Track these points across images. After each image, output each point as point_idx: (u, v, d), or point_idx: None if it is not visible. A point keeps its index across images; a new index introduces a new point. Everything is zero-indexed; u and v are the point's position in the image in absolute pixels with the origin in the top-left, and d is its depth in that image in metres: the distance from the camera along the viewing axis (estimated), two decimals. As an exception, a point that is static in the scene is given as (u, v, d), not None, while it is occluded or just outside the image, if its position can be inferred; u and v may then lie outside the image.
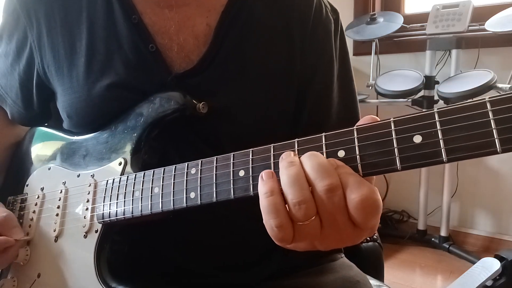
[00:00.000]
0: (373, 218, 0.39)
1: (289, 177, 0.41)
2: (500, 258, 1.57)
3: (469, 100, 0.36)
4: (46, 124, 0.80)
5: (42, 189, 0.71)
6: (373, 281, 0.82)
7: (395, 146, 0.38)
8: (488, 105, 0.35)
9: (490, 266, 1.55)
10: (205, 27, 0.64)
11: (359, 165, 0.40)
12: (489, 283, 1.54)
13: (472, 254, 2.11)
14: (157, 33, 0.64)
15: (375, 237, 0.93)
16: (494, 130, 0.34)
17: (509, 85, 1.82)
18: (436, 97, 2.11)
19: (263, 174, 0.43)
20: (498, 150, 0.33)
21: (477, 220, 2.34)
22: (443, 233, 2.25)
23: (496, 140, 0.34)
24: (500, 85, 1.84)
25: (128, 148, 0.62)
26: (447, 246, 2.20)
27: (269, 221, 0.41)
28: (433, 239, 2.28)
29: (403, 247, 2.30)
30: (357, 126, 0.41)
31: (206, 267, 0.67)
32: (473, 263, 1.84)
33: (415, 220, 2.39)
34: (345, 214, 0.39)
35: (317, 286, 0.69)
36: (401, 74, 2.16)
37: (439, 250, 2.25)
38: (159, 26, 0.64)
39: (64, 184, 0.68)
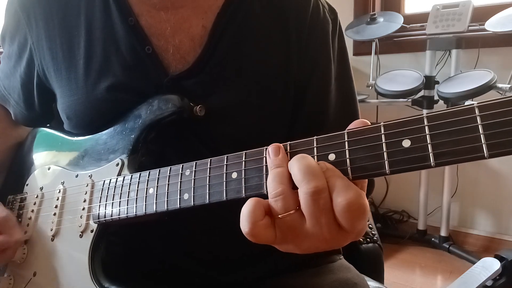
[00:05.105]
0: (359, 222, 0.39)
1: (271, 175, 0.42)
2: (500, 258, 1.57)
3: (458, 106, 0.36)
4: (48, 125, 0.81)
5: (41, 188, 0.72)
6: (372, 283, 0.82)
7: (384, 150, 0.38)
8: (477, 110, 0.35)
9: (490, 266, 1.55)
10: (201, 29, 0.64)
11: (348, 168, 0.40)
12: (489, 283, 1.54)
13: (472, 254, 2.11)
14: (153, 35, 0.64)
15: (375, 238, 0.93)
16: (481, 135, 0.34)
17: (509, 85, 1.82)
18: (436, 97, 2.10)
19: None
20: (485, 155, 0.34)
21: (477, 220, 2.34)
22: (443, 233, 2.25)
23: (483, 145, 0.34)
24: (500, 85, 1.83)
25: (125, 149, 0.63)
26: (447, 246, 2.20)
27: (242, 227, 0.42)
28: (433, 239, 2.28)
29: (403, 247, 2.30)
30: (348, 129, 0.41)
31: (202, 267, 0.68)
32: (473, 263, 1.84)
33: (415, 220, 2.39)
34: (331, 217, 0.39)
35: (314, 287, 0.69)
36: (401, 74, 2.16)
37: (439, 250, 2.25)
38: (155, 28, 0.64)
39: (63, 184, 0.68)
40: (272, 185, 0.42)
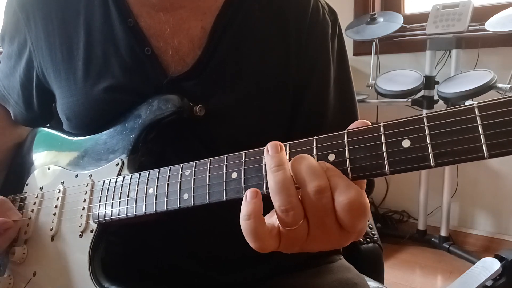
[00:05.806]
0: (360, 222, 0.39)
1: (276, 183, 0.40)
2: (500, 258, 1.57)
3: (457, 106, 0.36)
4: (48, 125, 0.81)
5: (41, 188, 0.72)
6: (372, 283, 0.82)
7: (384, 150, 0.38)
8: (476, 110, 0.35)
9: (490, 266, 1.55)
10: (200, 30, 0.64)
11: (348, 168, 0.40)
12: (489, 283, 1.54)
13: (472, 254, 2.11)
14: (153, 36, 0.64)
15: (375, 238, 0.93)
16: (481, 136, 0.34)
17: (509, 85, 1.82)
18: (436, 97, 2.10)
19: (248, 193, 0.41)
20: (485, 155, 0.34)
21: (477, 220, 2.34)
22: (443, 233, 2.25)
23: (483, 145, 0.34)
24: (500, 85, 1.84)
25: (125, 149, 0.63)
26: (447, 246, 2.21)
27: (249, 243, 0.41)
28: (433, 239, 2.28)
29: (403, 247, 2.30)
30: (347, 130, 0.41)
31: (202, 267, 0.68)
32: (473, 263, 1.84)
33: (415, 220, 2.39)
34: (333, 217, 0.39)
35: (313, 287, 0.69)
36: (401, 74, 2.16)
37: (439, 250, 2.25)
38: (154, 29, 0.64)
39: (63, 184, 0.68)
40: (280, 198, 0.40)
